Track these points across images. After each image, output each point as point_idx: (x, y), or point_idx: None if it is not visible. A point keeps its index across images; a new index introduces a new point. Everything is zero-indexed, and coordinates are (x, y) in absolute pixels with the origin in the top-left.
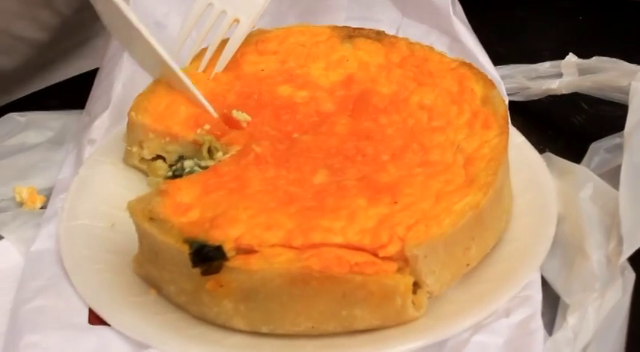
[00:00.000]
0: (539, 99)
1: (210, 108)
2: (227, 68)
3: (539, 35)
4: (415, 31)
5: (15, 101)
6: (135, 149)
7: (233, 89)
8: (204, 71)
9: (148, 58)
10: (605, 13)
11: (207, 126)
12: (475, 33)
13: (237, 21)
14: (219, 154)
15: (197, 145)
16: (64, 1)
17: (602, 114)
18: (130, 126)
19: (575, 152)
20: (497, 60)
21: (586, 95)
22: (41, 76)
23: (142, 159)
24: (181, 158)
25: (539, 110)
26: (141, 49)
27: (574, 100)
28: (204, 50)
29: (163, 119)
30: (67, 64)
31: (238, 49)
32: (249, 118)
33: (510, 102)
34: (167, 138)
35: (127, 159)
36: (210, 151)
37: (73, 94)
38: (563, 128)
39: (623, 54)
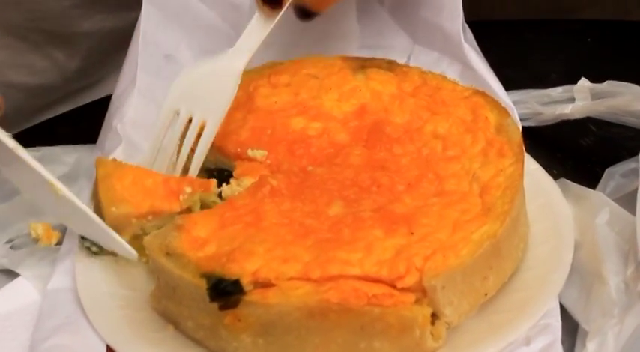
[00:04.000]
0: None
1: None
2: (240, 103)
3: (547, 58)
4: (426, 59)
5: (26, 130)
6: None
7: (246, 124)
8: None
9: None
10: (613, 34)
11: (188, 190)
12: (484, 55)
13: (203, 125)
14: (234, 188)
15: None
16: (60, 49)
17: (611, 136)
18: (112, 222)
19: (584, 175)
20: (506, 83)
21: (595, 118)
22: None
23: None
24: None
25: (547, 132)
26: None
27: (583, 123)
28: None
29: (143, 199)
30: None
31: (251, 83)
32: (265, 153)
33: (522, 128)
34: (150, 217)
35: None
36: (202, 206)
37: (85, 123)
38: (572, 150)
39: (633, 76)
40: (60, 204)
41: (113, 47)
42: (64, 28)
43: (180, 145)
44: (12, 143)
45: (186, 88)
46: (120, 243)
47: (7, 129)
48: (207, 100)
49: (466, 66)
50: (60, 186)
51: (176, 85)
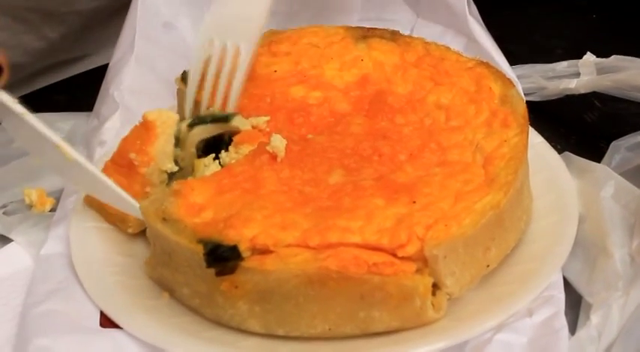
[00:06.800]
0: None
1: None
2: None
3: (552, 33)
4: (430, 32)
5: (23, 97)
6: None
7: (246, 91)
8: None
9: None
10: (618, 10)
11: None
12: (488, 30)
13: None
14: (232, 155)
15: None
16: (53, 28)
17: (615, 112)
18: None
19: (588, 149)
20: (510, 58)
21: (600, 93)
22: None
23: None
24: None
25: (551, 107)
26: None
27: (587, 98)
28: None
29: None
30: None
31: None
32: (264, 120)
33: (526, 102)
34: None
35: None
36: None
37: (81, 91)
38: (576, 126)
39: (636, 51)
40: (68, 166)
41: (101, 23)
42: (60, 6)
43: (218, 75)
44: (20, 108)
45: (218, 18)
46: (128, 201)
47: None
48: (240, 26)
49: (470, 39)
50: (68, 149)
51: (208, 15)
